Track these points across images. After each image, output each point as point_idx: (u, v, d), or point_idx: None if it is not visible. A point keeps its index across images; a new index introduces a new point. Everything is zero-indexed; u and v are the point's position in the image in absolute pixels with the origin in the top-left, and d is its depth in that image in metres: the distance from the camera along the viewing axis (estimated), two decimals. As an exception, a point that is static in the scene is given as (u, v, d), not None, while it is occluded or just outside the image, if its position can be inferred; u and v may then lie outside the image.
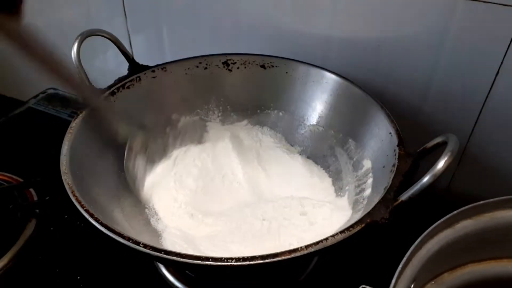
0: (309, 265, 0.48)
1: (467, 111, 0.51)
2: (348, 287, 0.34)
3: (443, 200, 0.58)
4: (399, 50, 0.51)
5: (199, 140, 0.55)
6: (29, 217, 0.54)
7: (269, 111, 0.56)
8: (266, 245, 0.42)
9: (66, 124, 0.43)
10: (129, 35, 0.68)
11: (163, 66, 0.53)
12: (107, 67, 0.72)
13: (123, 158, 0.47)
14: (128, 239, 0.32)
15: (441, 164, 0.32)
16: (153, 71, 0.52)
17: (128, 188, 0.47)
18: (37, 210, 0.55)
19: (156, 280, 0.48)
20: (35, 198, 0.56)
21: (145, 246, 0.32)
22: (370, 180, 0.43)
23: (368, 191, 0.42)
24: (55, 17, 0.71)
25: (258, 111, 0.56)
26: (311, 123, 0.54)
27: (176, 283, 0.47)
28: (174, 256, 0.31)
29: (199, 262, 0.31)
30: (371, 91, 0.48)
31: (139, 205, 0.46)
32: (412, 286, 0.29)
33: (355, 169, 0.48)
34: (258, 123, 0.57)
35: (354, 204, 0.44)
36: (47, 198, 0.56)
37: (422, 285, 0.33)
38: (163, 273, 0.48)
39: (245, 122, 0.57)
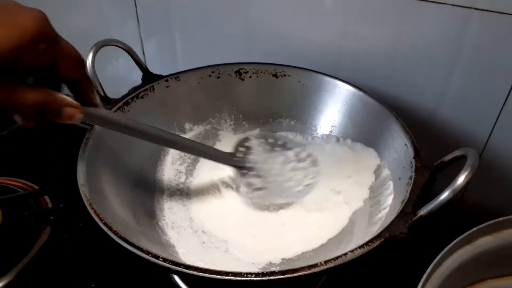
0: (319, 280, 0.48)
1: (482, 122, 0.51)
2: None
3: (456, 211, 0.58)
4: (413, 59, 0.50)
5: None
6: (44, 224, 0.54)
7: (281, 120, 0.56)
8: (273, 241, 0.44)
9: (81, 131, 0.44)
10: (141, 42, 0.68)
11: (176, 76, 0.53)
12: (118, 74, 0.72)
13: (139, 167, 0.47)
14: (148, 253, 0.32)
15: (461, 179, 0.32)
16: (167, 80, 0.52)
17: (143, 197, 0.47)
18: (52, 218, 0.55)
19: (170, 288, 0.48)
20: (50, 206, 0.57)
21: (164, 260, 0.32)
22: (386, 192, 0.43)
23: (383, 203, 0.42)
24: (67, 24, 0.70)
25: (270, 120, 0.56)
26: (324, 133, 0.54)
27: (190, 293, 0.47)
28: (193, 270, 0.31)
29: (218, 277, 0.31)
30: (384, 100, 0.48)
31: (154, 215, 0.47)
32: (431, 303, 0.29)
33: (369, 179, 0.48)
34: (270, 131, 0.56)
35: (369, 216, 0.44)
36: (62, 205, 0.56)
37: (440, 301, 0.33)
38: (177, 283, 0.48)
39: (257, 131, 0.57)
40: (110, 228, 0.34)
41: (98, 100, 0.37)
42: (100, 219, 0.35)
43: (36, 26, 0.29)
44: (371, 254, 0.33)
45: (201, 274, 0.31)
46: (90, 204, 0.36)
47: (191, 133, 0.55)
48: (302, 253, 0.43)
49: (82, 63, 0.35)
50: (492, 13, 0.44)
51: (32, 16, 0.29)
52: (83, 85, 0.36)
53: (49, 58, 0.32)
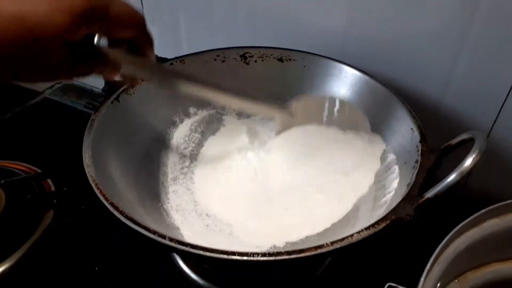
0: (324, 260, 0.48)
1: (488, 107, 0.50)
2: (363, 284, 0.34)
3: (460, 196, 0.58)
4: (419, 44, 0.50)
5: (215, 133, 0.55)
6: (47, 207, 0.54)
7: (286, 105, 0.56)
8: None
9: (82, 114, 0.44)
10: (145, 25, 0.67)
11: (181, 59, 0.52)
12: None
13: (144, 150, 0.47)
14: (154, 232, 0.32)
15: (468, 161, 0.32)
16: (172, 63, 0.52)
17: (148, 180, 0.47)
18: (55, 201, 0.55)
19: (172, 270, 0.48)
20: (53, 189, 0.57)
21: (171, 239, 0.32)
22: (391, 176, 0.43)
23: (389, 187, 0.42)
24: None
25: (275, 105, 0.56)
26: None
27: (191, 274, 0.47)
28: (200, 250, 0.31)
29: (225, 256, 0.31)
30: (390, 85, 0.48)
31: (158, 198, 0.46)
32: (438, 285, 0.29)
33: (375, 164, 0.48)
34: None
35: (374, 200, 0.43)
36: (65, 188, 0.56)
37: (445, 284, 0.33)
38: (179, 265, 0.48)
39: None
40: (116, 208, 0.34)
41: (154, 54, 0.37)
42: (106, 199, 0.35)
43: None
44: (377, 236, 0.33)
45: (207, 253, 0.31)
46: (96, 185, 0.36)
47: (196, 117, 0.54)
48: (306, 237, 0.43)
49: (135, 11, 0.34)
50: (502, -4, 0.43)
51: None
52: (142, 35, 0.35)
53: (103, 27, 0.32)
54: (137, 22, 0.34)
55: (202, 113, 0.55)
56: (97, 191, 0.35)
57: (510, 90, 0.48)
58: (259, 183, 0.49)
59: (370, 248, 0.35)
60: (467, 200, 0.58)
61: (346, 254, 0.46)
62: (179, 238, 0.40)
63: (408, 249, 0.46)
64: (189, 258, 0.46)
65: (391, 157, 0.45)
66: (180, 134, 0.53)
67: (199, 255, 0.31)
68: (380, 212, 0.39)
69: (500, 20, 0.44)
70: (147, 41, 0.36)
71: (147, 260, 0.49)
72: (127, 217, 0.33)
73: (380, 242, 0.34)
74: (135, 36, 0.34)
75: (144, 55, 0.36)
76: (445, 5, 0.46)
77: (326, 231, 0.43)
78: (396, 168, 0.43)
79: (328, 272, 0.48)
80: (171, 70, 0.42)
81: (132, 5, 0.33)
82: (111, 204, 0.34)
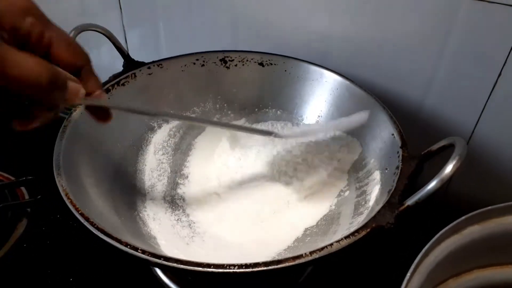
0: (305, 270, 0.48)
1: (468, 113, 0.50)
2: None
3: (441, 203, 0.57)
4: (401, 49, 0.50)
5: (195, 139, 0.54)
6: (20, 216, 0.53)
7: (267, 109, 0.55)
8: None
9: (60, 121, 0.42)
10: (124, 30, 0.66)
11: (159, 63, 0.51)
12: (101, 63, 0.70)
13: (119, 157, 0.46)
14: (126, 244, 0.31)
15: (449, 168, 0.31)
16: (149, 67, 0.51)
17: (123, 188, 0.45)
18: (29, 210, 0.53)
19: (152, 282, 0.47)
20: (27, 197, 0.55)
21: (143, 252, 0.30)
22: (372, 182, 0.42)
23: (370, 194, 0.42)
24: (47, 10, 0.68)
25: (256, 109, 0.55)
26: (310, 122, 0.53)
27: (172, 286, 0.46)
28: (173, 262, 0.30)
29: (200, 269, 0.30)
30: (371, 90, 0.47)
31: (134, 206, 0.45)
32: (418, 293, 0.28)
33: (355, 170, 0.47)
34: (256, 121, 0.55)
35: (355, 207, 0.43)
36: (39, 197, 0.54)
37: (426, 292, 0.33)
38: (158, 276, 0.47)
39: (243, 120, 0.56)
40: (87, 219, 0.33)
41: (104, 95, 0.33)
42: (77, 209, 0.33)
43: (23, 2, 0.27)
44: (358, 245, 0.32)
45: (181, 266, 0.30)
46: (66, 194, 0.35)
47: (175, 122, 0.53)
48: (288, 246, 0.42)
49: (79, 48, 0.31)
50: (479, 2, 0.43)
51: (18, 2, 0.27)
52: (87, 75, 0.31)
53: (40, 37, 0.28)
54: (78, 48, 0.31)
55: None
56: (67, 201, 0.34)
57: (490, 95, 0.48)
58: (239, 191, 0.48)
59: (352, 255, 0.35)
60: (448, 206, 0.58)
61: (326, 263, 0.46)
62: (155, 248, 0.39)
63: (389, 257, 0.45)
64: (165, 270, 0.44)
65: (372, 162, 0.45)
66: (158, 140, 0.51)
67: (174, 267, 0.30)
68: (361, 219, 0.38)
69: (480, 26, 0.44)
70: (93, 75, 0.33)
71: (124, 271, 0.48)
72: (98, 228, 0.32)
73: (362, 249, 0.34)
74: (77, 62, 0.31)
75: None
76: (426, 11, 0.46)
77: (304, 237, 0.43)
78: (377, 174, 0.43)
79: (311, 279, 0.47)
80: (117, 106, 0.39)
81: (77, 43, 0.31)
82: (81, 214, 0.33)
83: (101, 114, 0.35)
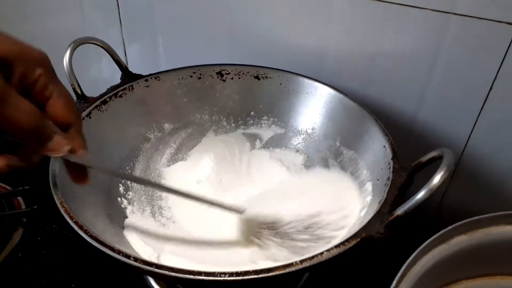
0: (301, 279, 0.48)
1: (461, 125, 0.51)
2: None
3: (435, 215, 0.58)
4: (393, 63, 0.51)
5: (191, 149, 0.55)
6: (16, 226, 0.53)
7: (262, 121, 0.56)
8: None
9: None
10: (124, 44, 0.67)
11: (156, 75, 0.52)
12: (101, 76, 0.71)
13: (115, 166, 0.47)
14: (119, 252, 0.31)
15: (437, 179, 0.32)
16: (146, 80, 0.51)
17: (117, 198, 0.46)
18: (24, 219, 0.54)
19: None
20: (23, 207, 0.55)
21: (135, 260, 0.31)
22: (364, 193, 0.43)
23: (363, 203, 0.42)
24: (49, 24, 0.70)
25: (252, 121, 0.56)
26: (305, 135, 0.54)
27: (166, 296, 0.46)
28: (165, 270, 0.30)
29: (191, 277, 0.30)
30: (365, 103, 0.48)
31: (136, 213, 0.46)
32: (406, 303, 0.28)
33: (349, 181, 0.48)
34: (251, 133, 0.56)
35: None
36: (35, 207, 0.54)
37: (413, 303, 0.33)
38: (151, 285, 0.47)
39: (238, 132, 0.56)
40: (80, 227, 0.33)
41: (87, 156, 0.33)
42: (71, 217, 0.34)
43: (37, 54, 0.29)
44: (348, 254, 0.33)
45: (173, 274, 0.30)
46: (61, 203, 0.35)
47: (171, 133, 0.54)
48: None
49: (74, 107, 0.32)
50: (470, 18, 0.44)
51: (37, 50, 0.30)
52: (74, 134, 0.32)
53: (43, 89, 0.30)
54: (75, 106, 0.33)
55: (178, 130, 0.54)
56: (62, 210, 0.35)
57: (482, 107, 0.49)
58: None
59: (349, 263, 0.35)
60: (444, 217, 0.58)
61: (318, 271, 0.46)
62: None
63: (375, 265, 0.46)
64: (158, 278, 0.45)
65: (365, 174, 0.45)
66: (153, 150, 0.52)
67: (165, 275, 0.30)
68: (353, 229, 0.38)
69: (471, 40, 0.45)
70: (81, 134, 0.34)
71: (119, 281, 0.48)
72: (91, 236, 0.32)
73: (359, 257, 0.34)
74: (70, 120, 0.32)
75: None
76: (418, 25, 0.47)
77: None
78: (369, 185, 0.43)
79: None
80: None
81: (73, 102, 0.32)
82: (76, 222, 0.33)
83: (79, 173, 0.35)
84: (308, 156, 0.53)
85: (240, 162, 0.53)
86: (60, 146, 0.31)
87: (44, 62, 0.30)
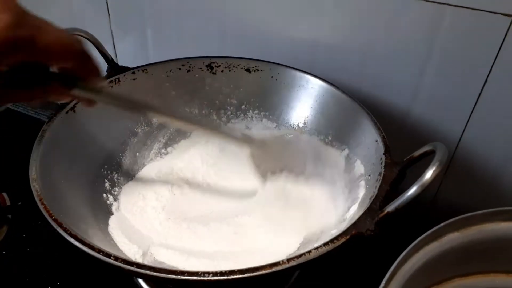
0: (290, 277, 0.47)
1: (455, 120, 0.50)
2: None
3: (429, 211, 0.57)
4: (386, 56, 0.50)
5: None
6: (1, 223, 0.52)
7: (253, 115, 0.55)
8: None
9: (39, 123, 0.41)
10: (112, 36, 0.66)
11: (143, 68, 0.51)
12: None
13: (100, 162, 0.45)
14: (99, 251, 0.30)
15: (429, 174, 0.31)
16: (133, 72, 0.50)
17: (103, 195, 0.45)
18: (9, 216, 0.52)
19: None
20: (8, 203, 0.54)
21: (116, 259, 0.30)
22: (357, 189, 0.42)
23: (354, 200, 0.41)
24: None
25: (242, 115, 0.55)
26: (296, 129, 0.53)
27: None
28: (147, 270, 0.29)
29: (174, 276, 0.29)
30: (357, 97, 0.47)
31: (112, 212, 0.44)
32: (397, 302, 0.27)
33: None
34: (241, 127, 0.55)
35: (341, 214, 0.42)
36: (20, 203, 0.53)
37: (405, 302, 0.32)
38: (140, 285, 0.46)
39: (228, 126, 0.55)
40: (60, 225, 0.32)
41: (100, 80, 0.35)
42: (50, 215, 0.33)
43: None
44: (337, 251, 0.32)
45: (154, 273, 0.29)
46: (40, 200, 0.34)
47: (159, 127, 0.53)
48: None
49: (75, 51, 0.32)
50: (464, 9, 0.43)
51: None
52: (84, 74, 0.33)
53: (33, 56, 0.29)
54: (73, 53, 0.31)
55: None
56: (41, 207, 0.33)
57: (476, 102, 0.48)
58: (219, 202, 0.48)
59: (340, 259, 0.34)
60: (438, 213, 0.57)
61: (306, 269, 0.45)
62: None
63: (367, 263, 0.45)
64: (140, 277, 0.43)
65: (358, 169, 0.44)
66: (141, 145, 0.51)
67: (146, 274, 0.29)
68: (343, 226, 0.37)
69: (465, 33, 0.44)
70: (90, 71, 0.33)
71: (105, 280, 0.47)
72: (70, 234, 0.31)
73: (349, 255, 0.33)
74: (73, 67, 0.32)
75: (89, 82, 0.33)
76: (411, 18, 0.46)
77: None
78: (362, 181, 0.42)
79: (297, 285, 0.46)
80: (123, 97, 0.40)
81: (69, 35, 0.31)
82: (55, 220, 0.32)
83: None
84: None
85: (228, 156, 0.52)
86: (60, 98, 0.34)
87: (76, 55, 0.31)
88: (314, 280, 0.47)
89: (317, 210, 0.45)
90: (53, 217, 0.32)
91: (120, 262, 0.29)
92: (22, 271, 0.48)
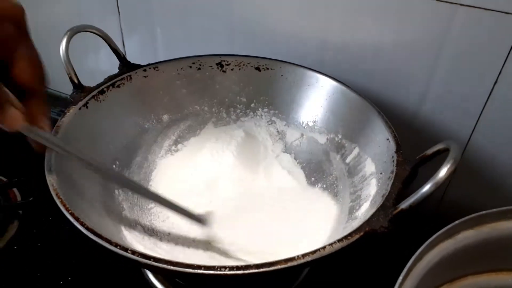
0: (300, 274, 0.47)
1: (465, 119, 0.50)
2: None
3: (436, 210, 0.57)
4: (397, 55, 0.50)
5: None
6: (12, 218, 0.52)
7: (263, 113, 0.55)
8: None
9: (53, 123, 0.41)
10: (122, 33, 0.66)
11: (155, 66, 0.51)
12: (99, 67, 0.70)
13: (112, 158, 0.45)
14: (116, 245, 0.30)
15: (443, 172, 0.31)
16: (145, 70, 0.50)
17: (115, 191, 0.45)
18: (20, 211, 0.53)
19: (143, 285, 0.46)
20: (19, 199, 0.54)
21: (133, 253, 0.30)
22: (367, 187, 0.42)
23: (365, 198, 0.41)
24: (45, 13, 0.68)
25: (252, 113, 0.55)
26: (306, 127, 0.53)
27: (163, 289, 0.45)
28: (164, 264, 0.29)
29: (191, 270, 0.29)
30: (367, 95, 0.47)
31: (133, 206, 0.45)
32: (411, 299, 0.28)
33: (351, 175, 0.47)
34: (251, 125, 0.55)
35: (349, 211, 0.43)
36: (31, 199, 0.53)
37: (419, 298, 0.32)
38: (150, 280, 0.46)
39: (238, 124, 0.55)
40: (76, 219, 0.32)
41: (48, 126, 0.32)
42: (67, 209, 0.33)
43: (10, 9, 0.27)
44: (351, 248, 0.32)
45: (171, 267, 0.29)
46: (56, 194, 0.34)
47: (169, 124, 0.53)
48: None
49: (42, 72, 0.30)
50: (476, 9, 0.43)
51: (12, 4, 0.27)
52: (36, 101, 0.30)
53: (10, 48, 0.28)
54: (42, 72, 0.30)
55: (176, 120, 0.53)
56: (57, 201, 0.34)
57: (487, 101, 0.48)
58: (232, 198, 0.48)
59: (351, 257, 0.34)
60: (445, 212, 0.57)
61: (320, 265, 0.45)
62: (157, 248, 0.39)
63: (383, 261, 0.45)
64: (156, 272, 0.44)
65: (367, 167, 0.44)
66: (151, 142, 0.51)
67: (164, 269, 0.30)
68: (355, 224, 0.38)
69: (476, 32, 0.44)
70: (44, 103, 0.31)
71: (116, 275, 0.47)
72: (87, 228, 0.31)
73: (357, 253, 0.33)
74: (34, 86, 0.30)
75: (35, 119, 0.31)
76: (421, 18, 0.46)
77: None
78: (373, 179, 0.43)
79: (307, 282, 0.46)
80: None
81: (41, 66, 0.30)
82: (72, 214, 0.32)
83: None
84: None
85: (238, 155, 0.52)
86: (15, 119, 0.28)
87: (17, 17, 0.27)
88: (321, 283, 0.47)
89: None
90: (70, 211, 0.32)
91: (138, 256, 0.30)
92: (33, 266, 0.48)
